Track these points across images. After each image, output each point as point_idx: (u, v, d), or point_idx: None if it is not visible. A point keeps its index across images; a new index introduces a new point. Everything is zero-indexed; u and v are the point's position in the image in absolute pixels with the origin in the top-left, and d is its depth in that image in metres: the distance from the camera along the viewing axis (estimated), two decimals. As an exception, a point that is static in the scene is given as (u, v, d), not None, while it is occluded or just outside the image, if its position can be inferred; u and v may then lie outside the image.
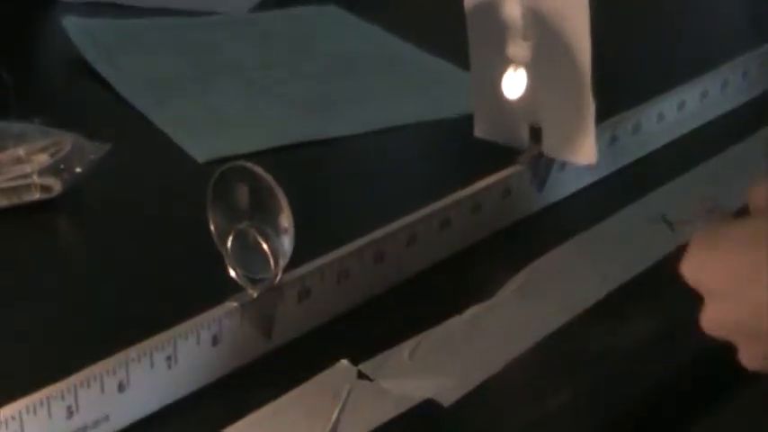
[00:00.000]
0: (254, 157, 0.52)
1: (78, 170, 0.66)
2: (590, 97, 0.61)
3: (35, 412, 0.45)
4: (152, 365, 0.48)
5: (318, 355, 0.52)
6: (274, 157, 0.70)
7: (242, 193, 0.51)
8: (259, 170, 0.50)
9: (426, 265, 0.60)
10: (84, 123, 0.70)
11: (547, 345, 0.54)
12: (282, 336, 0.53)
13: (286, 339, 0.53)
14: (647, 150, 0.72)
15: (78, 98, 0.81)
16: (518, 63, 0.62)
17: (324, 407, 0.49)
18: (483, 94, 0.65)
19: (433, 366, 0.52)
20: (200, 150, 0.71)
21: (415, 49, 0.88)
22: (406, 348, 0.53)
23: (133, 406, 0.48)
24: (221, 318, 0.50)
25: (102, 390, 0.47)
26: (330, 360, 0.52)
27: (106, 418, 0.47)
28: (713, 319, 0.47)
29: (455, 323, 0.55)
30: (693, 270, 0.47)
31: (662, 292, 0.58)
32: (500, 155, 0.65)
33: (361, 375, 0.51)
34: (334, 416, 0.49)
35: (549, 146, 0.64)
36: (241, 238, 0.51)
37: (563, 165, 0.65)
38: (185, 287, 0.57)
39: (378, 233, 0.57)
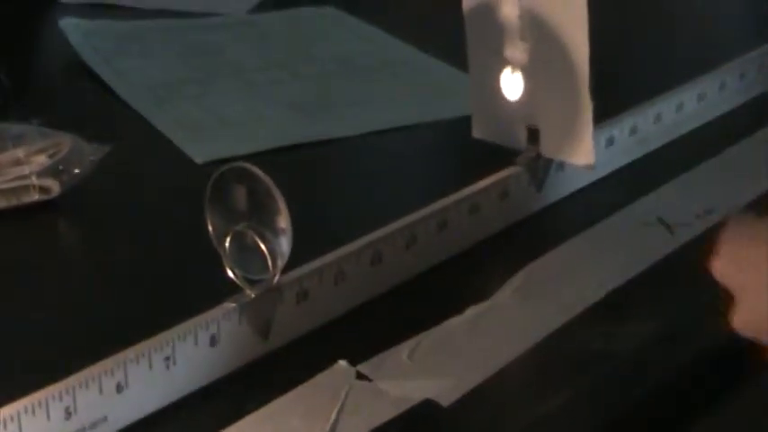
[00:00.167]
0: (253, 158, 0.52)
1: (77, 171, 0.66)
2: (588, 98, 0.61)
3: (33, 413, 0.45)
4: (150, 366, 0.48)
5: (317, 356, 0.52)
6: (272, 159, 0.70)
7: (240, 194, 0.51)
8: (257, 171, 0.50)
9: (425, 266, 0.60)
10: (82, 125, 0.70)
11: (546, 345, 0.54)
12: (281, 337, 0.53)
13: (284, 340, 0.53)
14: (644, 151, 0.72)
15: (77, 100, 0.81)
16: (516, 64, 0.62)
17: (322, 407, 0.49)
18: (481, 96, 0.65)
19: (432, 367, 0.52)
20: (199, 151, 0.71)
21: (414, 50, 0.88)
22: (404, 349, 0.53)
23: (131, 407, 0.48)
24: (219, 318, 0.50)
25: (101, 391, 0.47)
26: (328, 361, 0.52)
27: (104, 419, 0.47)
28: (745, 319, 0.46)
29: (454, 324, 0.55)
30: (724, 268, 0.46)
31: (661, 294, 0.59)
32: (498, 156, 0.65)
33: (359, 376, 0.51)
34: (333, 416, 0.49)
35: (546, 147, 0.64)
36: (239, 239, 0.51)
37: (561, 166, 0.66)
38: (183, 288, 0.58)
39: (376, 234, 0.57)
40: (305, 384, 0.51)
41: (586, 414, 0.52)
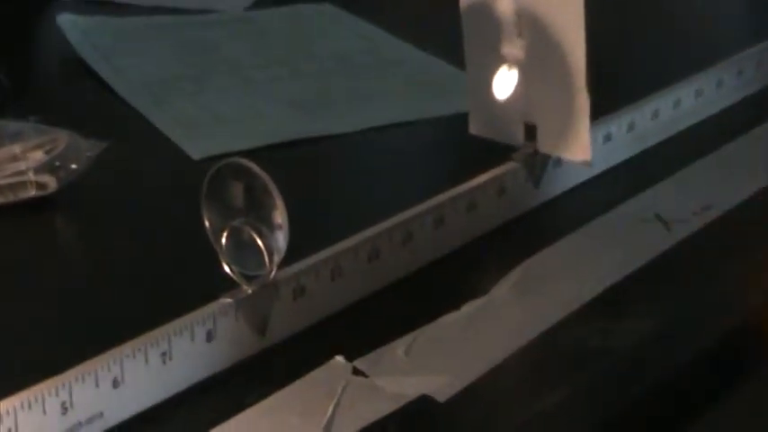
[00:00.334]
0: (250, 154, 0.52)
1: (74, 167, 0.66)
2: (585, 95, 0.61)
3: (30, 408, 0.45)
4: (146, 361, 0.48)
5: (313, 352, 0.52)
6: (269, 155, 0.70)
7: (237, 190, 0.51)
8: (254, 167, 0.50)
9: (422, 262, 0.60)
10: (79, 121, 0.70)
11: (543, 342, 0.54)
12: (277, 332, 0.53)
13: (281, 336, 0.53)
14: (641, 148, 0.72)
15: (74, 96, 0.81)
16: (512, 61, 0.62)
17: (319, 403, 0.49)
18: (478, 92, 0.65)
19: (429, 363, 0.52)
20: (195, 148, 0.71)
21: (410, 47, 0.88)
22: (401, 345, 0.53)
23: (128, 402, 0.48)
24: (216, 314, 0.50)
25: (97, 386, 0.47)
26: (325, 357, 0.52)
27: (100, 414, 0.47)
28: None
29: (450, 320, 0.55)
30: None
31: (659, 290, 0.59)
32: (495, 152, 0.65)
33: (356, 372, 0.51)
34: (329, 412, 0.49)
35: (543, 143, 0.64)
36: (236, 235, 0.51)
37: (558, 162, 0.66)
38: (180, 283, 0.58)
39: (373, 230, 0.57)
40: (301, 380, 0.51)
41: (583, 411, 0.52)
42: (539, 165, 0.65)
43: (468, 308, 0.56)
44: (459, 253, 0.61)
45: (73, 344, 0.52)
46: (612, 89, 0.72)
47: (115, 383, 0.47)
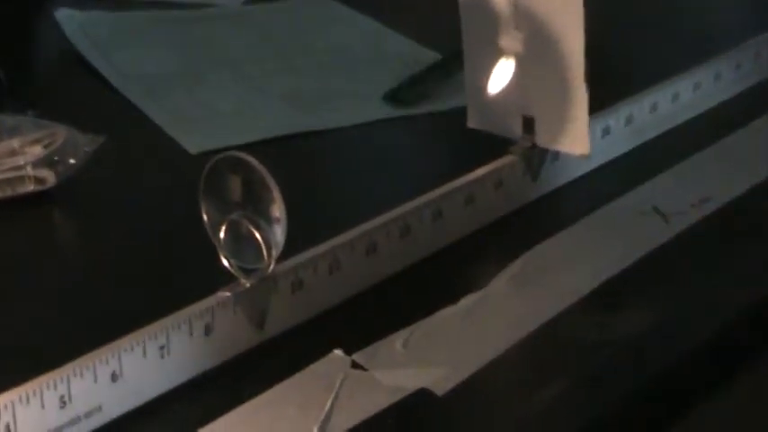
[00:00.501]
0: (247, 148, 0.52)
1: (72, 162, 0.66)
2: (583, 88, 0.61)
3: (28, 402, 0.45)
4: (145, 355, 0.48)
5: (312, 346, 0.52)
6: (266, 149, 0.70)
7: (235, 184, 0.51)
8: (252, 160, 0.50)
9: (420, 256, 0.60)
10: (77, 116, 0.70)
11: (541, 334, 0.54)
12: (275, 326, 0.53)
13: (279, 330, 0.53)
14: (640, 141, 0.72)
15: (72, 91, 0.81)
16: (510, 53, 0.62)
17: (317, 396, 0.49)
18: (476, 86, 0.65)
19: (427, 356, 0.52)
20: (192, 142, 0.71)
21: (408, 40, 0.88)
22: (399, 338, 0.53)
23: (126, 396, 0.48)
24: (214, 308, 0.50)
25: (96, 379, 0.47)
26: (323, 350, 0.52)
27: (99, 407, 0.47)
28: None
29: (449, 313, 0.55)
30: None
31: (657, 283, 0.59)
32: (493, 146, 0.65)
33: (354, 365, 0.51)
34: (328, 405, 0.49)
35: (542, 137, 0.64)
36: (234, 229, 0.51)
37: (556, 155, 0.66)
38: (178, 277, 0.58)
39: (371, 224, 0.57)
40: (300, 373, 0.51)
41: (582, 403, 0.52)
42: (537, 158, 0.65)
43: (466, 301, 0.56)
44: (457, 246, 0.61)
45: (71, 338, 0.52)
46: (611, 82, 0.72)
47: (114, 377, 0.47)
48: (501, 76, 0.63)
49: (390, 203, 0.59)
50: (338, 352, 0.52)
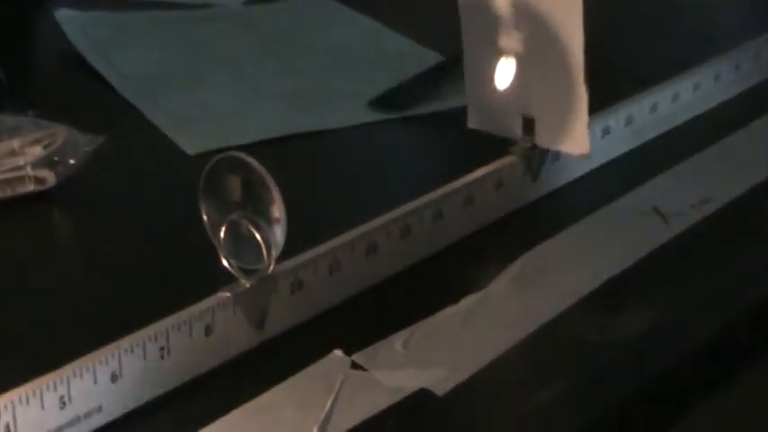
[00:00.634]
0: (246, 149, 0.52)
1: (72, 162, 0.66)
2: (583, 88, 0.61)
3: (28, 402, 0.45)
4: (145, 356, 0.48)
5: (311, 346, 0.52)
6: (266, 150, 0.70)
7: (234, 184, 0.51)
8: (251, 161, 0.50)
9: (420, 256, 0.60)
10: (77, 116, 0.70)
11: (541, 335, 0.54)
12: (275, 326, 0.53)
13: (279, 330, 0.53)
14: (640, 141, 0.72)
15: (72, 91, 0.81)
16: (510, 53, 0.62)
17: (317, 397, 0.49)
18: (476, 86, 0.65)
19: (427, 356, 0.52)
20: (191, 143, 0.71)
21: (408, 41, 0.88)
22: (399, 339, 0.53)
23: (126, 396, 0.48)
24: (214, 308, 0.50)
25: (95, 380, 0.47)
26: (323, 350, 0.52)
27: (99, 408, 0.47)
28: None
29: (449, 313, 0.55)
30: None
31: (657, 283, 0.59)
32: (493, 146, 0.65)
33: (354, 365, 0.51)
34: (328, 406, 0.49)
35: (542, 137, 0.64)
36: (234, 229, 0.51)
37: (556, 156, 0.66)
38: (178, 278, 0.58)
39: (371, 225, 0.57)
40: (300, 374, 0.51)
41: (582, 404, 0.52)
42: (537, 158, 0.65)
43: (466, 301, 0.56)
44: (458, 247, 0.61)
45: (71, 338, 0.52)
46: (611, 82, 0.72)
47: (113, 378, 0.47)
48: (501, 76, 0.63)
49: (390, 204, 0.59)
50: (338, 352, 0.52)
